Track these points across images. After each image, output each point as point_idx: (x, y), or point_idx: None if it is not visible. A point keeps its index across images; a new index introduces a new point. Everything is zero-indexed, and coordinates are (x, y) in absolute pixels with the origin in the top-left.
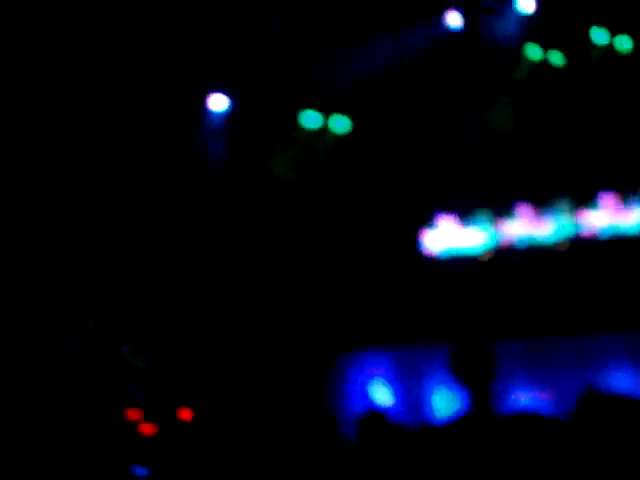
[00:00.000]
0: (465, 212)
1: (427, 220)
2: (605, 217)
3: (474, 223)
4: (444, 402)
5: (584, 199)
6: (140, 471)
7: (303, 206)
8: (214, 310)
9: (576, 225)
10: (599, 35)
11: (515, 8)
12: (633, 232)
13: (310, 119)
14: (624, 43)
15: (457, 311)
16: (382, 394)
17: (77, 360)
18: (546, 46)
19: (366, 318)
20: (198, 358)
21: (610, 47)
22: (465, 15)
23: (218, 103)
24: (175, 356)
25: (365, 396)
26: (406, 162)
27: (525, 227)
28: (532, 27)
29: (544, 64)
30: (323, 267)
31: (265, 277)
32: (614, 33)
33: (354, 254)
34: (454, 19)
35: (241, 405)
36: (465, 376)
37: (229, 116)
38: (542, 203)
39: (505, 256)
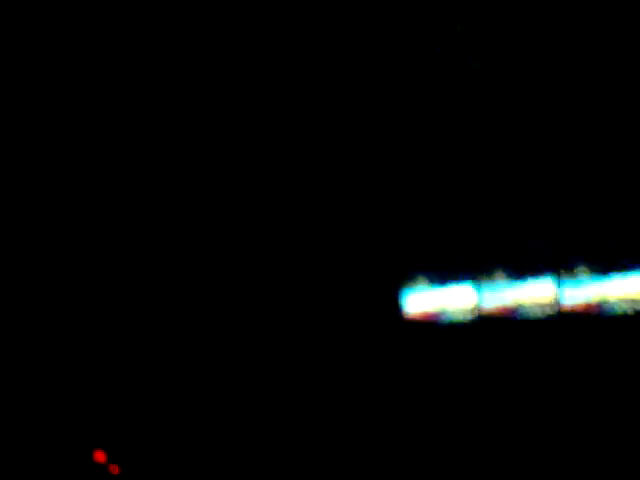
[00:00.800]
0: (449, 273)
1: (408, 281)
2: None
3: (458, 285)
4: None
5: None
6: None
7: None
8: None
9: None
10: None
11: None
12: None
13: None
14: None
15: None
16: None
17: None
18: None
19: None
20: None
21: None
22: None
23: None
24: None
25: None
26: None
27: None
28: None
29: None
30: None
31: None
32: None
33: (332, 313)
34: None
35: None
36: None
37: None
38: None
39: (488, 321)
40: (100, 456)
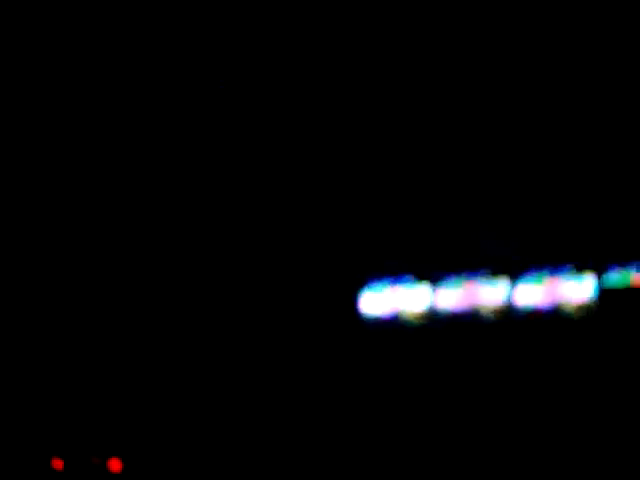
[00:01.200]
0: (404, 275)
1: (365, 282)
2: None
3: (413, 287)
4: None
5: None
6: None
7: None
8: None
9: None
10: None
11: None
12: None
13: None
14: None
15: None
16: None
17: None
18: None
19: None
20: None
21: None
22: None
23: None
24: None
25: None
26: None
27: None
28: None
29: None
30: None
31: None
32: None
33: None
34: None
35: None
36: None
37: None
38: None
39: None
40: (58, 464)
